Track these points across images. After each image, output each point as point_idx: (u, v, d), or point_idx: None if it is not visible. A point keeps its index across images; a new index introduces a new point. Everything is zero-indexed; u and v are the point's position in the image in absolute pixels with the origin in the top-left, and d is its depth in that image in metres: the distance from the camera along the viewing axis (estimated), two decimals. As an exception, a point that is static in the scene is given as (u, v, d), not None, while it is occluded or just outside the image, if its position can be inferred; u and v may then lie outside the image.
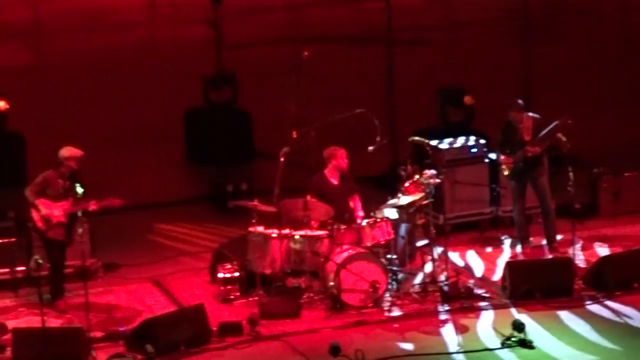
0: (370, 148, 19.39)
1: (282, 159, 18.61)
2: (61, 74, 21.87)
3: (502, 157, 19.76)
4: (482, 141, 21.40)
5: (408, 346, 16.60)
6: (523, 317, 17.03)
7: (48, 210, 17.84)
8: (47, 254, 18.23)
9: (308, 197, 18.44)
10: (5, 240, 19.52)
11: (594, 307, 17.85)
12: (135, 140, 20.67)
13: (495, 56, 22.14)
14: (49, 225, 17.94)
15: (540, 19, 22.61)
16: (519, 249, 20.26)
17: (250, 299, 18.25)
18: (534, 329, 16.67)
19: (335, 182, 18.73)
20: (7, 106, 20.48)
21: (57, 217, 17.94)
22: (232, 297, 18.52)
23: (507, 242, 20.72)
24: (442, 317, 17.78)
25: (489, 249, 20.44)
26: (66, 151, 17.88)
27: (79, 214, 17.92)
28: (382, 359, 15.16)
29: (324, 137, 19.45)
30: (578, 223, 19.36)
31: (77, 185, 17.72)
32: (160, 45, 22.86)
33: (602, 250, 19.67)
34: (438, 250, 19.33)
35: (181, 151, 22.53)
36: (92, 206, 17.93)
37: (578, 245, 19.50)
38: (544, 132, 19.25)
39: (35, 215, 18.01)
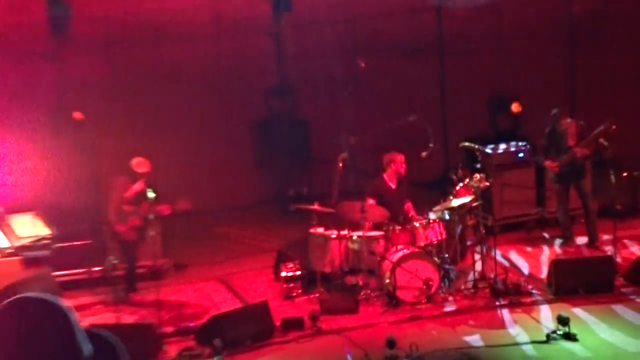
0: (424, 154, 19.71)
1: (340, 165, 19.00)
2: (132, 86, 22.13)
3: (548, 161, 20.13)
4: (529, 146, 21.56)
5: (460, 340, 16.87)
6: (568, 312, 17.15)
7: (132, 218, 18.61)
8: (122, 253, 19.03)
9: (368, 201, 19.03)
10: (82, 243, 19.89)
11: (634, 302, 18.00)
12: (204, 148, 20.91)
13: (542, 65, 21.94)
14: (126, 227, 18.67)
15: (586, 29, 22.54)
16: (561, 247, 20.50)
17: (311, 296, 18.66)
18: (576, 323, 16.86)
19: (393, 185, 19.17)
20: (82, 117, 20.85)
21: (133, 221, 18.59)
22: (294, 294, 18.90)
23: (553, 241, 20.89)
24: (492, 312, 18.03)
25: (535, 248, 20.64)
26: (136, 162, 18.60)
27: (151, 216, 18.42)
28: (435, 352, 15.38)
29: (380, 144, 19.91)
30: (619, 223, 19.53)
31: (149, 190, 18.27)
32: (225, 58, 22.97)
33: None
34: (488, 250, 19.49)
35: (247, 158, 22.78)
36: (165, 210, 18.61)
37: (619, 244, 19.68)
38: (590, 136, 19.68)
39: (117, 224, 18.76)
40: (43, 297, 4.23)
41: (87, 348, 4.20)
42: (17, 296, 4.24)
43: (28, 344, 4.06)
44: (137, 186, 18.54)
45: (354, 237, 18.90)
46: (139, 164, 18.45)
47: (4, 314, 4.13)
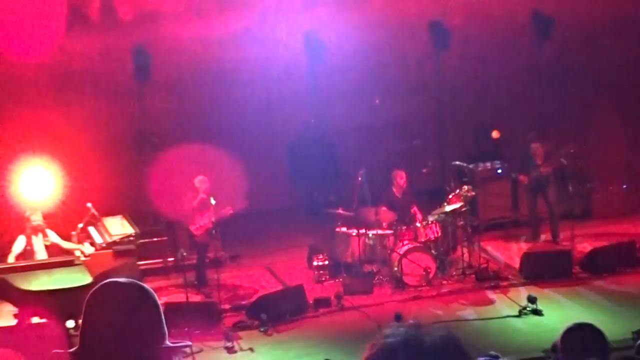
0: (424, 170, 20.17)
1: (359, 178, 19.20)
2: (199, 117, 21.92)
3: (521, 176, 20.45)
4: (505, 164, 21.70)
5: (452, 314, 17.45)
6: (534, 292, 17.65)
7: (204, 222, 19.00)
8: (197, 252, 19.33)
9: (382, 207, 19.39)
10: (159, 239, 20.44)
11: (588, 285, 18.48)
12: (251, 165, 20.80)
13: (516, 101, 22.29)
14: (199, 231, 19.00)
15: (553, 72, 22.15)
16: (531, 242, 20.70)
17: (337, 280, 19.11)
18: (542, 301, 17.31)
19: (398, 195, 19.42)
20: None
21: (206, 225, 18.93)
22: (323, 279, 19.38)
23: (525, 238, 21.09)
24: (477, 293, 18.53)
25: (510, 243, 20.85)
26: (199, 179, 19.05)
27: (215, 219, 18.90)
28: (433, 324, 15.66)
29: (392, 162, 20.34)
30: (576, 224, 19.87)
31: (211, 198, 18.78)
32: (272, 100, 22.55)
33: (594, 244, 19.68)
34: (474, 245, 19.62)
35: (286, 171, 22.91)
36: (229, 211, 18.97)
37: (575, 241, 19.78)
38: (553, 157, 19.96)
39: (191, 226, 19.16)
40: (132, 282, 4.13)
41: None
42: (109, 280, 4.15)
43: (120, 321, 3.86)
44: (201, 197, 18.93)
45: (370, 235, 19.26)
46: (201, 181, 18.90)
47: (98, 293, 3.98)
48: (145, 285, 4.07)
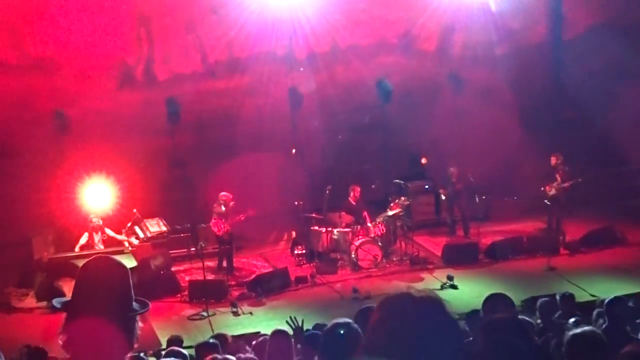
0: (373, 186, 20.17)
1: (327, 192, 19.16)
2: (215, 148, 21.72)
3: (442, 190, 20.42)
4: (431, 182, 21.72)
5: (394, 287, 16.45)
6: (452, 273, 17.92)
7: (225, 225, 18.79)
8: (219, 245, 19.10)
9: (342, 212, 19.32)
10: (184, 235, 20.22)
11: (489, 268, 18.62)
12: (252, 182, 20.65)
13: (437, 137, 22.01)
14: (222, 232, 18.83)
15: (468, 111, 22.37)
16: (449, 237, 20.59)
17: (311, 264, 19.03)
18: (457, 279, 17.59)
19: (354, 203, 19.30)
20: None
21: (226, 227, 18.75)
22: (302, 263, 19.42)
23: (445, 233, 20.99)
24: (411, 273, 18.58)
25: (434, 238, 20.71)
26: (222, 195, 18.85)
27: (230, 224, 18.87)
28: (379, 295, 15.54)
29: (350, 180, 20.13)
30: (480, 224, 19.97)
31: (228, 206, 18.72)
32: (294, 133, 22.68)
33: (493, 238, 19.75)
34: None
35: (276, 187, 22.04)
36: (242, 218, 18.82)
37: (481, 235, 19.88)
38: (464, 177, 19.99)
39: (214, 226, 18.91)
40: (110, 257, 3.96)
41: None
42: (99, 255, 3.93)
43: (101, 279, 3.69)
44: (223, 207, 18.79)
45: (335, 232, 19.15)
46: (224, 196, 18.69)
47: (88, 263, 3.82)
48: (122, 262, 3.87)
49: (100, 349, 3.56)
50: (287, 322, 9.15)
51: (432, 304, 2.98)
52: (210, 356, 6.37)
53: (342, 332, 5.48)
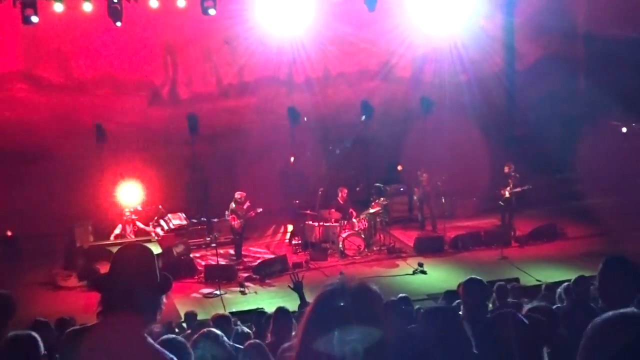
0: (358, 188, 20.11)
1: (320, 192, 19.17)
2: (227, 159, 21.84)
3: (416, 189, 20.15)
4: (405, 186, 21.43)
5: (374, 272, 17.29)
6: (422, 260, 17.78)
7: (239, 219, 18.55)
8: (233, 236, 18.86)
9: (332, 210, 19.25)
10: (201, 227, 20.06)
11: (453, 257, 18.46)
12: (257, 184, 20.47)
13: (410, 148, 22.01)
14: (237, 225, 18.57)
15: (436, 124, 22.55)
16: (419, 231, 20.29)
17: (306, 252, 18.81)
18: (427, 266, 17.43)
19: (342, 202, 19.09)
20: None
21: (240, 222, 18.55)
22: (298, 251, 19.13)
23: (415, 227, 20.60)
24: (388, 260, 18.39)
25: (408, 231, 20.38)
26: (238, 194, 18.58)
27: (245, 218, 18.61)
28: (362, 278, 15.62)
29: (339, 182, 20.04)
30: (446, 220, 19.84)
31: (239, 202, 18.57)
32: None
33: (456, 232, 19.50)
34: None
35: (277, 188, 22.22)
36: (253, 214, 18.61)
37: (446, 230, 19.69)
38: (433, 181, 19.88)
39: (232, 220, 18.61)
40: (140, 244, 3.95)
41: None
42: (130, 242, 4.03)
43: (133, 262, 3.71)
44: (238, 204, 18.54)
45: (326, 226, 19.01)
46: (240, 195, 18.50)
47: (123, 249, 3.89)
48: (149, 247, 3.91)
49: (129, 317, 3.55)
50: (291, 276, 9.74)
51: (360, 287, 2.76)
52: (205, 329, 6.32)
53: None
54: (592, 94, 23.02)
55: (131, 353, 3.47)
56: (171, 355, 3.57)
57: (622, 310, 2.30)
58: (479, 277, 6.80)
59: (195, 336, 5.89)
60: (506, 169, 19.27)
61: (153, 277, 3.68)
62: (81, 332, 3.74)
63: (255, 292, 16.64)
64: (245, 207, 18.52)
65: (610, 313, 2.30)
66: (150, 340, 3.59)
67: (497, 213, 19.77)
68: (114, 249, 15.17)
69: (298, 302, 9.29)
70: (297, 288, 9.28)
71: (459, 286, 7.91)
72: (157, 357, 3.50)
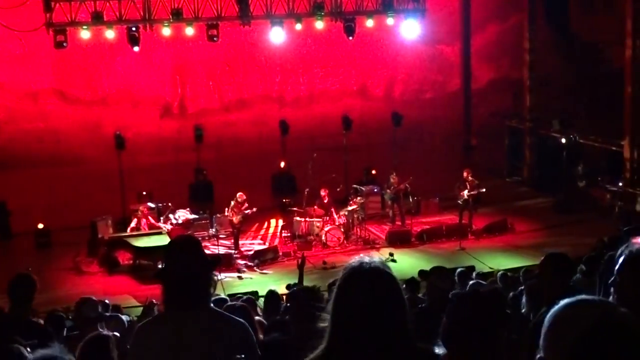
0: (338, 189, 19.81)
1: (306, 192, 18.71)
2: (228, 161, 21.78)
3: (389, 191, 19.72)
4: (379, 187, 20.77)
5: (345, 261, 17.10)
6: (392, 250, 17.51)
7: (239, 215, 17.90)
8: (232, 230, 18.21)
9: (316, 207, 18.98)
10: (205, 221, 19.18)
11: (419, 248, 18.13)
12: (254, 185, 20.52)
13: (385, 152, 21.96)
14: (237, 220, 17.95)
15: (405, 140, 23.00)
16: (390, 226, 19.54)
17: (294, 243, 18.24)
18: (396, 255, 17.20)
19: (324, 201, 18.55)
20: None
21: (239, 218, 18.04)
22: (287, 243, 18.44)
23: (387, 223, 19.88)
24: (364, 250, 17.66)
25: (381, 226, 19.84)
26: (239, 195, 17.92)
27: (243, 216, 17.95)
28: (341, 265, 15.48)
29: (321, 184, 19.78)
30: (413, 216, 19.51)
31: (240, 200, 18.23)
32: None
33: (422, 227, 19.08)
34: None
35: (269, 188, 21.97)
36: (250, 212, 17.97)
37: (412, 226, 19.16)
38: (402, 184, 19.67)
39: (231, 216, 17.97)
40: (191, 235, 4.17)
41: None
42: (180, 234, 4.08)
43: (188, 251, 3.68)
44: (238, 202, 18.00)
45: (313, 221, 18.57)
46: (240, 196, 18.04)
47: (176, 240, 3.96)
48: (197, 237, 4.18)
49: (192, 301, 3.47)
50: (297, 260, 10.53)
51: (381, 270, 2.71)
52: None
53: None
54: (536, 110, 23.13)
55: (206, 328, 3.42)
56: (242, 320, 3.59)
57: (578, 297, 2.17)
58: (443, 266, 6.69)
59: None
60: (465, 174, 19.16)
61: (204, 259, 3.61)
62: (152, 324, 3.72)
63: (251, 278, 16.39)
64: (243, 206, 18.28)
65: (567, 300, 2.16)
66: (216, 309, 3.64)
67: (456, 211, 19.67)
68: (130, 240, 15.09)
69: (284, 287, 9.40)
70: (300, 267, 10.69)
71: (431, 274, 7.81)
72: (229, 323, 3.51)
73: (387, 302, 2.60)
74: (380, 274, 2.65)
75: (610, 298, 2.92)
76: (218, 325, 3.46)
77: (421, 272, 11.32)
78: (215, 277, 3.77)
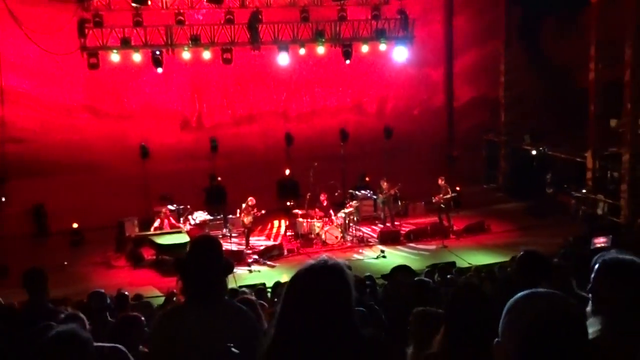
0: (336, 194, 19.85)
1: (307, 197, 18.72)
2: (239, 168, 21.89)
3: (381, 196, 19.79)
4: (372, 191, 20.80)
5: (345, 257, 16.74)
6: (384, 248, 17.58)
7: (250, 217, 17.92)
8: (244, 229, 18.16)
9: (316, 210, 18.98)
10: (219, 222, 19.40)
11: (407, 245, 18.12)
12: (262, 189, 20.53)
13: (377, 161, 21.51)
14: (248, 221, 18.02)
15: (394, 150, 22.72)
16: (381, 227, 19.71)
17: (297, 241, 18.30)
18: (387, 252, 17.30)
19: (324, 204, 18.62)
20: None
21: (249, 219, 18.00)
22: (291, 241, 18.54)
23: (379, 223, 20.00)
24: (358, 247, 18.07)
25: (373, 226, 19.90)
26: (250, 199, 17.92)
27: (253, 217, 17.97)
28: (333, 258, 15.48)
29: (320, 189, 19.78)
30: (401, 218, 19.82)
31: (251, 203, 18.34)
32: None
33: (409, 227, 19.27)
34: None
35: (275, 193, 21.90)
36: (259, 214, 17.98)
37: (400, 226, 19.52)
38: (390, 188, 19.69)
39: (243, 217, 17.99)
40: (210, 235, 3.97)
41: None
42: (202, 234, 3.93)
43: (206, 248, 3.68)
44: (249, 206, 17.97)
45: (314, 221, 18.65)
46: (251, 200, 17.95)
47: (197, 239, 3.86)
48: (216, 237, 3.93)
49: (208, 291, 3.51)
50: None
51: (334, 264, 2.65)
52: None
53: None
54: (510, 125, 23.23)
55: (221, 318, 3.44)
56: (250, 312, 3.59)
57: (533, 290, 2.20)
58: (406, 265, 6.83)
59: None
60: (439, 181, 19.28)
61: (221, 261, 3.62)
62: (174, 313, 3.65)
63: (259, 271, 16.43)
64: (253, 210, 18.35)
65: (521, 292, 2.19)
66: (229, 302, 3.58)
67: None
68: (154, 238, 15.17)
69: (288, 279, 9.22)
70: None
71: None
72: (240, 313, 3.51)
73: (333, 293, 2.50)
74: (330, 269, 2.56)
75: (589, 303, 2.89)
76: (231, 316, 3.47)
77: (393, 270, 11.10)
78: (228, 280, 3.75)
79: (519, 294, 2.18)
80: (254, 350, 3.12)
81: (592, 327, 2.67)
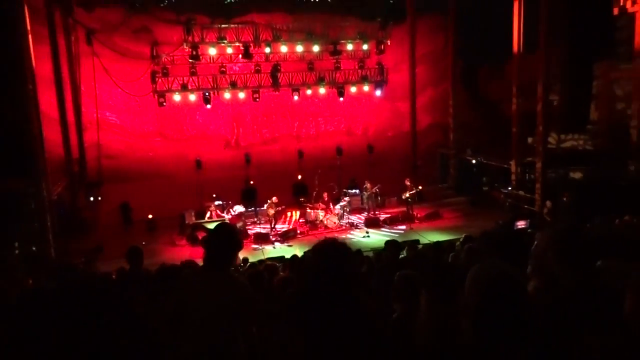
0: (334, 192, 19.35)
1: (314, 194, 18.59)
2: (251, 175, 21.34)
3: (365, 193, 19.27)
4: (359, 190, 20.19)
5: (343, 236, 16.67)
6: (370, 230, 17.25)
7: (270, 212, 17.04)
8: (269, 218, 17.29)
9: (320, 204, 18.61)
10: (252, 213, 18.87)
11: (387, 228, 17.72)
12: (273, 190, 19.83)
13: (362, 169, 20.78)
14: (272, 212, 17.15)
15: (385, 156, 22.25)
16: (367, 215, 19.14)
17: (307, 226, 17.81)
18: (371, 233, 16.95)
19: (326, 199, 18.28)
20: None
21: (273, 212, 17.28)
22: (303, 225, 17.97)
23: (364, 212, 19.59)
24: (351, 230, 17.63)
25: (360, 215, 19.19)
26: (273, 198, 17.39)
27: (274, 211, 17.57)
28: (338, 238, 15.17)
29: (322, 190, 19.47)
30: (380, 209, 19.30)
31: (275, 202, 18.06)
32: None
33: (386, 215, 18.62)
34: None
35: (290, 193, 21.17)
36: (281, 208, 17.52)
37: (382, 214, 19.01)
38: (373, 188, 19.48)
39: (268, 210, 17.14)
40: (229, 224, 3.76)
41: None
42: (224, 222, 3.79)
43: (224, 233, 3.47)
44: (271, 204, 17.36)
45: (319, 212, 18.20)
46: (275, 199, 17.42)
47: (219, 225, 3.59)
48: (231, 224, 3.79)
49: (220, 263, 3.37)
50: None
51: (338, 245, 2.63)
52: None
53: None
54: (457, 142, 23.13)
55: (222, 283, 3.34)
56: (245, 283, 3.43)
57: (489, 260, 2.15)
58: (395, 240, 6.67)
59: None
60: (406, 182, 19.19)
61: (229, 241, 3.45)
62: (188, 275, 3.62)
63: (280, 247, 16.19)
64: (276, 205, 18.06)
65: (481, 263, 2.14)
66: (232, 275, 3.44)
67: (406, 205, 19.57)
68: (205, 224, 14.98)
69: (302, 253, 9.05)
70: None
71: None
72: (237, 285, 3.36)
73: (336, 258, 2.50)
74: (340, 244, 2.60)
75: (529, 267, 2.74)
76: (230, 284, 3.33)
77: (386, 242, 11.21)
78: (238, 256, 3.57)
79: (479, 264, 2.15)
80: (244, 313, 3.15)
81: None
